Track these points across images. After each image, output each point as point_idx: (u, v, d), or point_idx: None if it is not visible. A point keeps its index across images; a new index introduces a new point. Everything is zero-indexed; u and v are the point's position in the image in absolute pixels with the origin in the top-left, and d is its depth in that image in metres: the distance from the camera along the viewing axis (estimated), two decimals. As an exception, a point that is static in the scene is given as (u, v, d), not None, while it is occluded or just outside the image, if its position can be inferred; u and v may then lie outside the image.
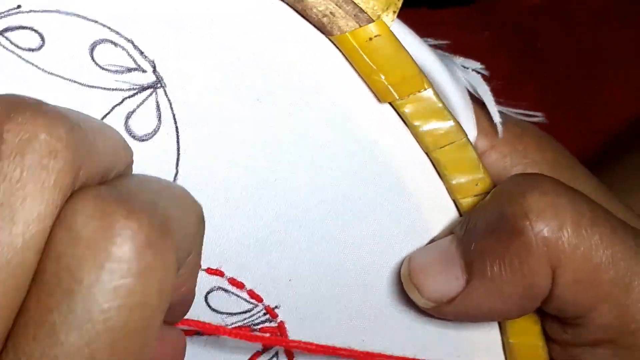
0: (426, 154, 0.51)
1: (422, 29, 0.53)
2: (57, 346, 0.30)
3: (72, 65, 0.48)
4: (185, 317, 0.47)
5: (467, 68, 0.57)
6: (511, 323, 0.53)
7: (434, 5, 0.97)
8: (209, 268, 0.50)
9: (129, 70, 0.48)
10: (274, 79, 0.50)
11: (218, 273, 0.51)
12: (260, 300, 0.52)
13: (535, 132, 0.58)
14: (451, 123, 0.50)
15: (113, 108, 0.48)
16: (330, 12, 0.48)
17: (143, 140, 0.49)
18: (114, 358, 0.31)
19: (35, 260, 0.31)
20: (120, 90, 0.48)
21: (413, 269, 0.49)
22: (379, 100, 0.50)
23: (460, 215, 0.53)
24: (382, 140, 0.51)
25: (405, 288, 0.51)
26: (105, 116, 0.48)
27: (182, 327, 0.47)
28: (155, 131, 0.49)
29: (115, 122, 0.49)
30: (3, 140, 0.29)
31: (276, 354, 0.52)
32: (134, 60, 0.48)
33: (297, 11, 0.49)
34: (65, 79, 0.48)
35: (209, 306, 0.51)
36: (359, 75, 0.50)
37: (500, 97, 0.56)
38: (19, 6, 0.47)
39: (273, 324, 0.52)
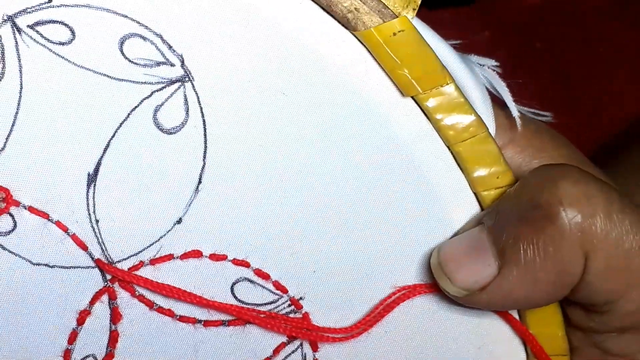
0: (448, 147, 0.52)
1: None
2: None
3: (102, 58, 0.49)
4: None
5: (483, 65, 0.58)
6: (532, 313, 0.54)
7: (434, 5, 0.98)
8: (235, 259, 0.51)
9: (158, 64, 0.49)
10: (299, 73, 0.51)
11: (244, 264, 0.52)
12: (285, 291, 0.53)
13: (547, 129, 0.59)
14: (472, 117, 0.52)
15: (142, 101, 0.49)
16: (355, 8, 0.50)
17: (171, 133, 0.50)
18: None
19: None
20: (149, 83, 0.49)
21: (444, 258, 0.50)
22: (403, 94, 0.51)
23: (482, 208, 0.54)
24: (405, 133, 0.52)
25: (436, 277, 0.52)
26: (134, 109, 0.49)
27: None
28: (183, 124, 0.50)
29: (144, 116, 0.50)
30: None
31: (301, 345, 0.53)
32: (163, 54, 0.49)
33: (322, 7, 0.50)
34: (95, 72, 0.49)
35: (235, 297, 0.52)
36: (383, 69, 0.51)
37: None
38: (49, 0, 0.48)
39: (298, 315, 0.53)
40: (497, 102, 0.57)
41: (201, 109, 0.49)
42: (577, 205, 0.46)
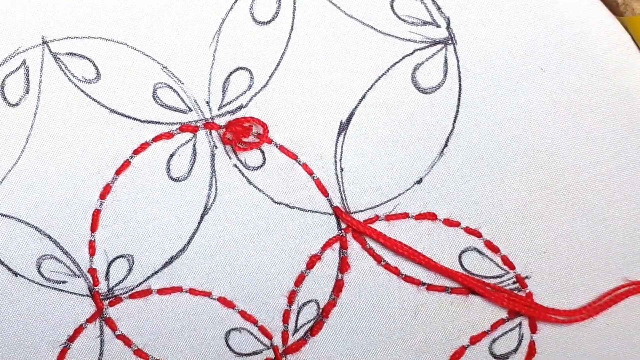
0: None
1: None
2: None
3: (372, 10, 0.50)
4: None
5: None
6: None
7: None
8: (467, 227, 0.51)
9: (424, 23, 0.50)
10: (561, 52, 0.51)
11: (475, 233, 0.52)
12: (512, 267, 0.52)
13: None
14: None
15: (403, 58, 0.50)
16: (627, -5, 0.49)
17: (427, 92, 0.51)
18: None
19: None
20: (413, 41, 0.50)
21: None
22: (667, 83, 0.50)
23: None
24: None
25: None
26: (394, 64, 0.50)
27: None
28: (439, 85, 0.51)
29: (403, 72, 0.50)
30: None
31: (519, 325, 0.53)
32: (431, 14, 0.50)
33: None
34: (363, 23, 0.50)
35: (462, 265, 0.52)
36: None
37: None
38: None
39: (521, 294, 0.52)
40: None
41: (459, 73, 0.49)
42: None
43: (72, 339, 0.49)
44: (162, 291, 0.50)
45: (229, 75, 0.50)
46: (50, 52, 0.49)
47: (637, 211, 0.51)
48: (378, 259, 0.51)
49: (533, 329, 0.52)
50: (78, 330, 0.50)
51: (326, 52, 0.49)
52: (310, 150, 0.50)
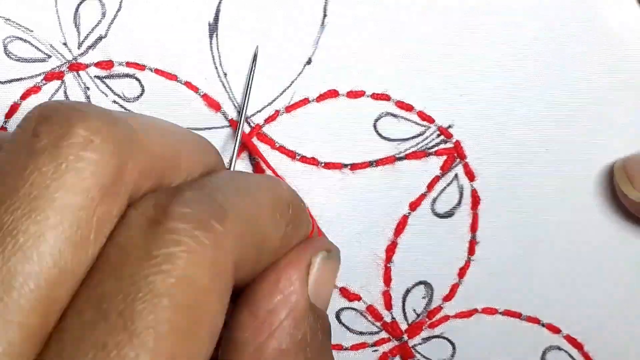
0: None
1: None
2: None
3: None
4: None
5: None
6: None
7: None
8: (373, 93, 0.48)
9: None
10: None
11: (384, 97, 0.48)
12: (431, 121, 0.49)
13: None
14: None
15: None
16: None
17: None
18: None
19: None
20: None
21: (631, 161, 0.46)
22: None
23: None
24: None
25: (617, 180, 0.48)
26: None
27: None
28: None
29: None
30: (38, 139, 0.27)
31: (456, 177, 0.50)
32: None
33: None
34: None
35: (379, 134, 0.49)
36: None
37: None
38: None
39: (449, 145, 0.49)
40: None
41: None
42: None
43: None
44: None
45: (77, 8, 0.46)
46: None
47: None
48: (292, 155, 0.48)
49: (471, 177, 0.49)
50: None
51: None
52: (187, 65, 0.46)
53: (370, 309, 0.49)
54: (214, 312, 0.28)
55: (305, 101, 0.47)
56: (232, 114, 0.47)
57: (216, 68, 0.46)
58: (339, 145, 0.47)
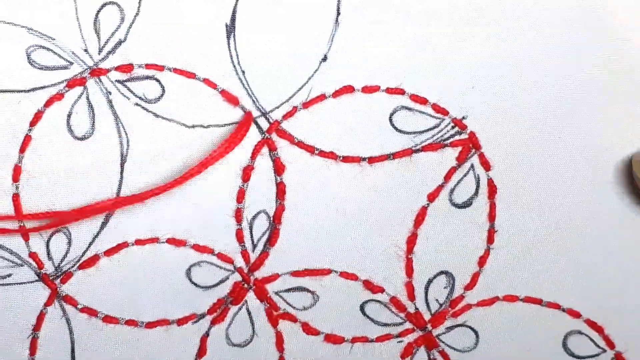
0: None
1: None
2: None
3: None
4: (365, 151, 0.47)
5: None
6: None
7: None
8: (388, 88, 0.49)
9: None
10: None
11: (399, 91, 0.49)
12: (445, 113, 0.50)
13: None
14: None
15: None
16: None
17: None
18: None
19: None
20: None
21: None
22: None
23: None
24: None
25: (636, 172, 0.49)
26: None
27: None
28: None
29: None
30: None
31: (472, 167, 0.51)
32: None
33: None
34: None
35: (395, 127, 0.50)
36: None
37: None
38: None
39: (464, 136, 0.50)
40: None
41: None
42: None
43: (37, 327, 0.48)
44: (109, 252, 0.48)
45: (97, 15, 0.47)
46: None
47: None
48: (311, 150, 0.49)
49: (487, 167, 0.50)
50: (40, 317, 0.48)
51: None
52: (206, 63, 0.47)
53: (394, 300, 0.50)
54: None
55: (321, 97, 0.48)
56: (251, 108, 0.48)
57: (234, 66, 0.47)
58: (356, 139, 0.48)
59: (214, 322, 0.49)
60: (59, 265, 0.47)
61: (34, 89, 0.46)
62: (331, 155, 0.48)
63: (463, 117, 0.49)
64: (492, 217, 0.50)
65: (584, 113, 0.49)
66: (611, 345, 0.50)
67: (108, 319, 0.48)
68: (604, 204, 0.50)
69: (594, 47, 0.49)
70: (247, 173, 0.48)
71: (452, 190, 0.49)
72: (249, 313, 0.49)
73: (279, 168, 0.48)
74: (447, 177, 0.49)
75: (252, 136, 0.48)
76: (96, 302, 0.48)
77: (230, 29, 0.47)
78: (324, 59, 0.47)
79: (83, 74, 0.47)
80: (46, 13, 0.46)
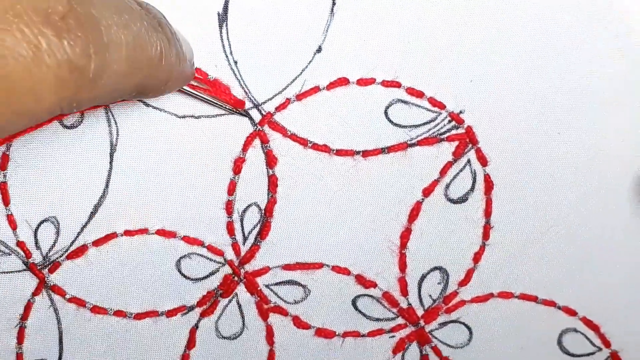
0: None
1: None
2: None
3: None
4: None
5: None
6: None
7: None
8: (384, 80, 0.48)
9: None
10: None
11: (395, 84, 0.48)
12: (442, 107, 0.49)
13: None
14: None
15: None
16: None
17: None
18: None
19: None
20: None
21: None
22: None
23: None
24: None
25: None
26: None
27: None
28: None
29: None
30: None
31: (469, 162, 0.50)
32: None
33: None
34: None
35: (390, 120, 0.48)
36: None
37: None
38: None
39: (460, 130, 0.49)
40: None
41: None
42: None
43: (24, 317, 0.47)
44: (97, 242, 0.47)
45: None
46: None
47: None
48: (304, 143, 0.48)
49: (483, 162, 0.49)
50: (28, 307, 0.47)
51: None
52: (198, 52, 0.46)
53: (386, 295, 0.49)
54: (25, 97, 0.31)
55: (315, 89, 0.47)
56: (242, 98, 0.46)
57: (227, 56, 0.46)
58: (350, 132, 0.47)
59: (203, 315, 0.48)
60: (46, 254, 0.46)
61: None
62: (324, 149, 0.47)
63: (460, 112, 0.48)
64: (488, 213, 0.49)
65: (585, 110, 0.48)
66: (607, 343, 0.49)
67: (96, 310, 0.47)
68: (601, 202, 0.48)
69: (597, 43, 0.47)
70: (238, 165, 0.47)
71: (447, 186, 0.48)
72: (239, 306, 0.48)
73: (271, 160, 0.47)
74: (443, 172, 0.48)
75: (244, 128, 0.47)
76: (84, 293, 0.47)
77: (223, 17, 0.45)
78: (319, 50, 0.46)
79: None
80: None
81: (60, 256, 0.46)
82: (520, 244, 0.48)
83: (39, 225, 0.46)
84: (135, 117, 0.46)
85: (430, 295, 0.49)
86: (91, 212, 0.46)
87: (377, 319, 0.49)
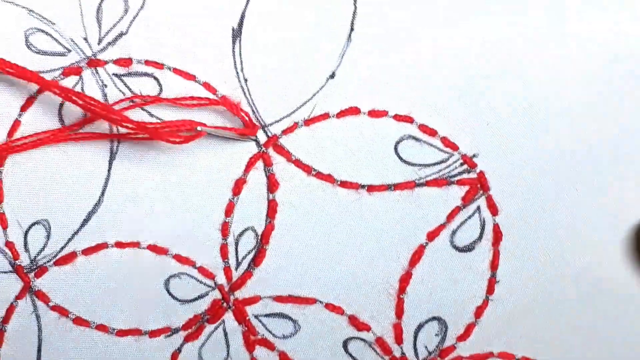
0: None
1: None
2: None
3: None
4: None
5: None
6: None
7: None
8: (396, 114, 0.46)
9: None
10: None
11: (407, 119, 0.46)
12: (455, 148, 0.46)
13: None
14: None
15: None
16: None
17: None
18: None
19: None
20: None
21: None
22: None
23: None
24: None
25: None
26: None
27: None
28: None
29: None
30: None
31: (478, 209, 0.47)
32: None
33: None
34: None
35: (399, 156, 0.46)
36: None
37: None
38: None
39: (472, 175, 0.46)
40: None
41: None
42: None
43: (5, 319, 0.45)
44: (87, 251, 0.45)
45: (100, 3, 0.45)
46: None
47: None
48: (308, 170, 0.46)
49: (494, 211, 0.46)
50: (10, 310, 0.45)
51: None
52: (208, 66, 0.45)
53: (380, 341, 0.46)
54: None
55: (325, 116, 0.45)
56: (250, 118, 0.45)
57: (237, 73, 0.44)
58: (357, 164, 0.45)
59: (187, 339, 0.45)
60: (34, 258, 0.44)
61: None
62: (329, 178, 0.45)
63: (474, 155, 0.45)
64: (494, 265, 0.46)
65: (605, 165, 0.45)
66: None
67: (79, 321, 0.45)
68: (613, 269, 0.45)
69: (618, 99, 0.44)
70: (238, 186, 0.45)
71: (454, 232, 0.46)
72: (225, 334, 0.46)
73: (272, 185, 0.45)
74: (450, 216, 0.45)
75: (249, 148, 0.45)
76: (69, 302, 0.45)
77: (237, 33, 0.44)
78: (332, 75, 0.44)
79: (80, 63, 0.45)
80: (48, -5, 0.44)
81: (48, 261, 0.44)
82: (525, 302, 0.45)
83: (30, 227, 0.44)
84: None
85: (426, 347, 0.46)
86: (84, 219, 0.44)
87: (368, 366, 0.46)
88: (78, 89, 0.45)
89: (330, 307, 0.45)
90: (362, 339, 0.46)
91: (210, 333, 0.46)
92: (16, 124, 0.44)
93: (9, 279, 0.45)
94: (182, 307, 0.45)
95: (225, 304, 0.45)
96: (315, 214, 0.45)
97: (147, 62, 0.44)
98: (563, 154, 0.45)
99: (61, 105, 0.44)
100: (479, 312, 0.46)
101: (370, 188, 0.45)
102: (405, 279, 0.46)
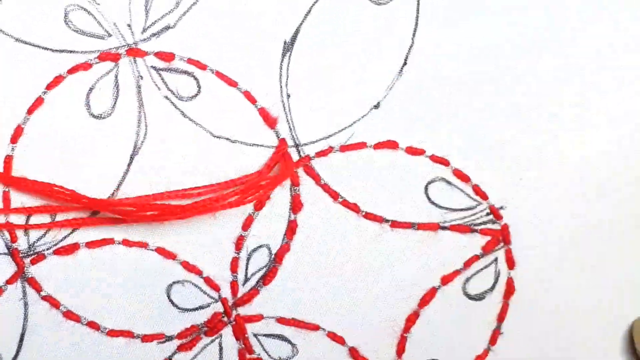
0: None
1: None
2: None
3: None
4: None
5: None
6: None
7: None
8: (433, 155, 0.45)
9: None
10: None
11: (443, 162, 0.45)
12: (485, 197, 0.46)
13: None
14: None
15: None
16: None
17: (381, 3, 0.43)
18: None
19: None
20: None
21: None
22: None
23: None
24: None
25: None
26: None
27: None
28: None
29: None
30: None
31: (495, 261, 0.46)
32: None
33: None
34: None
35: (428, 198, 0.45)
36: None
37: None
38: None
39: (496, 226, 0.46)
40: None
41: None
42: None
43: (-9, 303, 0.42)
44: (91, 244, 0.42)
45: (151, -8, 0.42)
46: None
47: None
48: (335, 196, 0.44)
49: (510, 265, 0.45)
50: None
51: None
52: (252, 76, 0.43)
53: (376, 377, 0.45)
54: None
55: (362, 145, 0.43)
56: (285, 134, 0.43)
57: (281, 87, 0.42)
58: (384, 198, 0.44)
59: (180, 348, 0.43)
60: (33, 243, 0.42)
61: (61, 51, 0.41)
62: (354, 207, 0.44)
63: (501, 207, 0.44)
64: (501, 317, 0.45)
65: (634, 239, 0.45)
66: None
67: (69, 315, 0.42)
68: (620, 349, 0.45)
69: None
70: (261, 201, 0.43)
71: (468, 279, 0.45)
72: (221, 349, 0.44)
73: (296, 205, 0.43)
74: (467, 263, 0.45)
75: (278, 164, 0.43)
76: (61, 294, 0.42)
77: (289, 47, 0.42)
78: (376, 106, 0.43)
79: (119, 50, 0.42)
80: (97, -27, 0.41)
81: (47, 249, 0.42)
82: (524, 359, 0.45)
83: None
84: (168, 124, 0.42)
85: (420, 388, 0.45)
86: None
87: (361, 400, 0.45)
88: (112, 76, 0.42)
89: (332, 335, 0.44)
90: None
91: (205, 345, 0.44)
92: (38, 101, 0.41)
93: (2, 261, 0.42)
94: (180, 315, 0.43)
95: (226, 318, 0.44)
96: (334, 242, 0.44)
97: (189, 60, 0.42)
98: (589, 222, 0.45)
99: (90, 90, 0.42)
100: (477, 360, 0.45)
101: (394, 224, 0.44)
102: (411, 319, 0.45)
